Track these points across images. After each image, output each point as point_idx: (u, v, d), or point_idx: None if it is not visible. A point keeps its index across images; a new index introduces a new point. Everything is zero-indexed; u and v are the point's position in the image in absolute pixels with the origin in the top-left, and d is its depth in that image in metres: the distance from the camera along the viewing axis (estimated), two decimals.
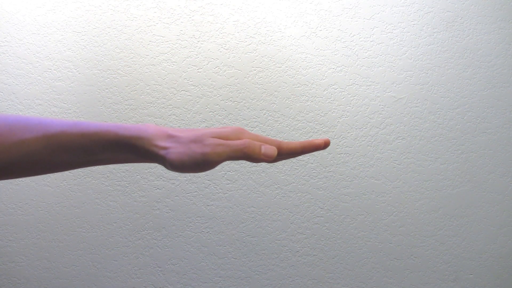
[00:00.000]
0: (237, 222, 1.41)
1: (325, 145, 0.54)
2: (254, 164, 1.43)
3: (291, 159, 1.44)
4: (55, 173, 1.35)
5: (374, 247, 1.45)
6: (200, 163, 0.49)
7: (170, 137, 0.50)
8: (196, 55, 1.44)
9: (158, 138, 0.50)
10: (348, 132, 1.48)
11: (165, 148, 0.50)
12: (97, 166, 1.37)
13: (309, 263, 1.42)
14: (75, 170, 1.36)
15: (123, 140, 0.50)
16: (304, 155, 1.45)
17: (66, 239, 1.34)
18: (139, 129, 0.51)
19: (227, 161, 1.41)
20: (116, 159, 0.52)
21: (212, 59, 1.44)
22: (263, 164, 1.43)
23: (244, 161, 1.42)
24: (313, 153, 1.45)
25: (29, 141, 0.50)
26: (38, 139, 0.50)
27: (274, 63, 1.47)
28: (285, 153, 0.52)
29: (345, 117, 1.49)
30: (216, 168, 1.41)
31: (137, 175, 1.38)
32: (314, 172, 1.45)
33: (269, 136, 1.44)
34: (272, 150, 0.50)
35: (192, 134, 0.50)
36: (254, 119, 1.44)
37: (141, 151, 0.50)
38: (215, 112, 1.43)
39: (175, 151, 0.49)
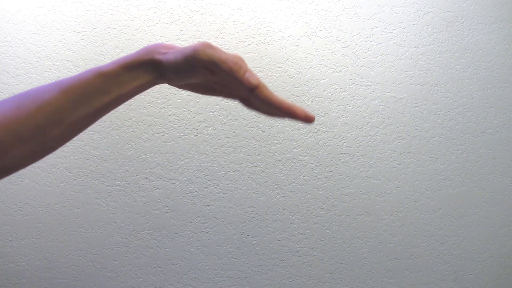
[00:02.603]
0: (237, 222, 1.41)
1: (306, 119, 0.52)
2: (254, 164, 1.43)
3: (292, 160, 1.44)
4: (55, 174, 1.35)
5: (374, 247, 1.45)
6: (189, 58, 0.51)
7: (174, 47, 0.55)
8: None
9: (162, 47, 0.54)
10: (348, 132, 1.48)
11: (165, 53, 0.53)
12: (97, 166, 1.37)
13: (309, 263, 1.42)
14: (75, 170, 1.36)
15: (135, 62, 0.54)
16: (303, 156, 1.45)
17: (66, 239, 1.34)
18: (145, 47, 0.55)
19: (227, 162, 1.42)
20: (134, 90, 0.55)
21: None
22: (263, 164, 1.43)
23: (244, 161, 1.42)
24: (312, 153, 1.46)
25: (49, 100, 0.52)
26: (57, 96, 0.52)
27: (274, 63, 1.47)
28: (261, 98, 0.51)
29: (345, 117, 1.49)
30: (216, 168, 1.41)
31: (137, 175, 1.38)
32: (314, 172, 1.45)
33: (269, 136, 1.45)
34: (255, 79, 0.50)
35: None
36: (254, 119, 1.44)
37: (149, 65, 0.54)
38: (215, 112, 1.43)
39: (172, 53, 0.53)
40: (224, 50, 0.54)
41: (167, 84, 1.42)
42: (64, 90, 0.52)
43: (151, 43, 0.51)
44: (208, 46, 0.51)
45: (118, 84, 0.54)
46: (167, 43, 0.56)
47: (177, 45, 0.57)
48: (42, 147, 0.52)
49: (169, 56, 0.53)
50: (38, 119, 0.51)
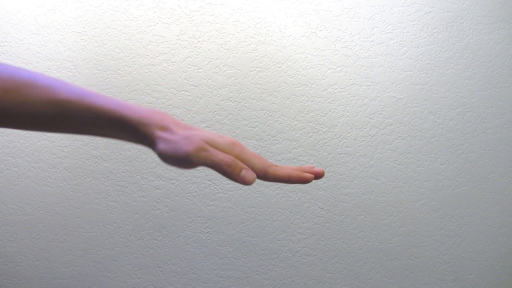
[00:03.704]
0: (237, 222, 1.41)
1: (316, 177, 0.54)
2: None
3: (292, 160, 1.44)
4: (55, 174, 1.35)
5: (374, 247, 1.45)
6: (180, 160, 0.51)
7: (168, 129, 0.53)
8: (196, 55, 1.44)
9: (158, 128, 0.52)
10: (348, 132, 1.48)
11: (159, 137, 0.52)
12: (97, 166, 1.37)
13: (309, 263, 1.42)
14: (75, 170, 1.36)
15: (127, 122, 0.52)
16: (303, 156, 1.45)
17: (66, 239, 1.34)
18: (145, 115, 0.53)
19: None
20: (113, 136, 0.54)
21: (212, 59, 1.44)
22: None
23: None
24: (312, 153, 1.46)
25: (35, 102, 0.51)
26: (44, 102, 0.51)
27: (274, 63, 1.47)
28: (270, 178, 0.53)
29: (345, 117, 1.49)
30: None
31: (137, 175, 1.38)
32: None
33: (269, 136, 1.44)
34: (251, 177, 0.51)
35: (187, 132, 0.52)
36: (254, 119, 1.44)
37: (140, 135, 0.53)
38: (215, 112, 1.43)
39: (165, 142, 0.52)
40: (219, 142, 0.54)
41: (167, 84, 1.42)
42: (53, 101, 0.51)
43: (158, 109, 0.50)
44: (201, 148, 0.51)
45: (106, 127, 0.53)
46: (171, 123, 0.54)
47: (177, 125, 0.56)
48: (9, 126, 0.53)
49: (163, 148, 0.51)
50: (17, 113, 0.51)
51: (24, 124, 0.52)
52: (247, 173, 0.51)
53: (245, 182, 0.51)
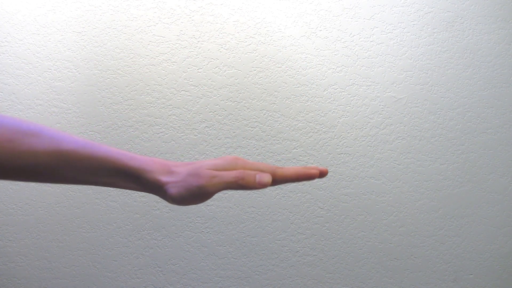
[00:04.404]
0: (237, 222, 1.41)
1: (321, 175, 0.55)
2: None
3: (292, 160, 1.44)
4: None
5: (374, 247, 1.45)
6: (197, 195, 0.52)
7: (171, 172, 0.54)
8: (196, 55, 1.44)
9: (161, 173, 0.53)
10: (348, 132, 1.48)
11: (166, 183, 0.53)
12: None
13: (309, 263, 1.42)
14: None
15: (129, 169, 0.53)
16: (303, 156, 1.45)
17: (66, 239, 1.34)
18: (146, 162, 0.54)
19: None
20: (117, 185, 0.54)
21: (212, 59, 1.44)
22: None
23: None
24: (312, 153, 1.46)
25: (38, 153, 0.51)
26: (48, 153, 0.51)
27: (274, 63, 1.47)
28: (279, 180, 0.54)
29: (345, 117, 1.49)
30: None
31: None
32: None
33: (269, 136, 1.44)
34: (267, 178, 0.52)
35: (190, 167, 0.53)
36: (254, 119, 1.44)
37: (143, 182, 0.53)
38: (215, 112, 1.43)
39: (174, 185, 0.53)
40: (222, 163, 0.56)
41: (167, 84, 1.42)
42: (57, 151, 0.51)
43: (156, 158, 0.52)
44: (211, 176, 0.52)
45: (109, 176, 0.53)
46: (171, 166, 0.55)
47: (177, 166, 0.56)
48: (11, 178, 0.52)
49: (175, 191, 0.52)
50: (19, 163, 0.51)
51: (26, 176, 0.52)
52: (262, 176, 0.52)
53: (263, 185, 0.52)
